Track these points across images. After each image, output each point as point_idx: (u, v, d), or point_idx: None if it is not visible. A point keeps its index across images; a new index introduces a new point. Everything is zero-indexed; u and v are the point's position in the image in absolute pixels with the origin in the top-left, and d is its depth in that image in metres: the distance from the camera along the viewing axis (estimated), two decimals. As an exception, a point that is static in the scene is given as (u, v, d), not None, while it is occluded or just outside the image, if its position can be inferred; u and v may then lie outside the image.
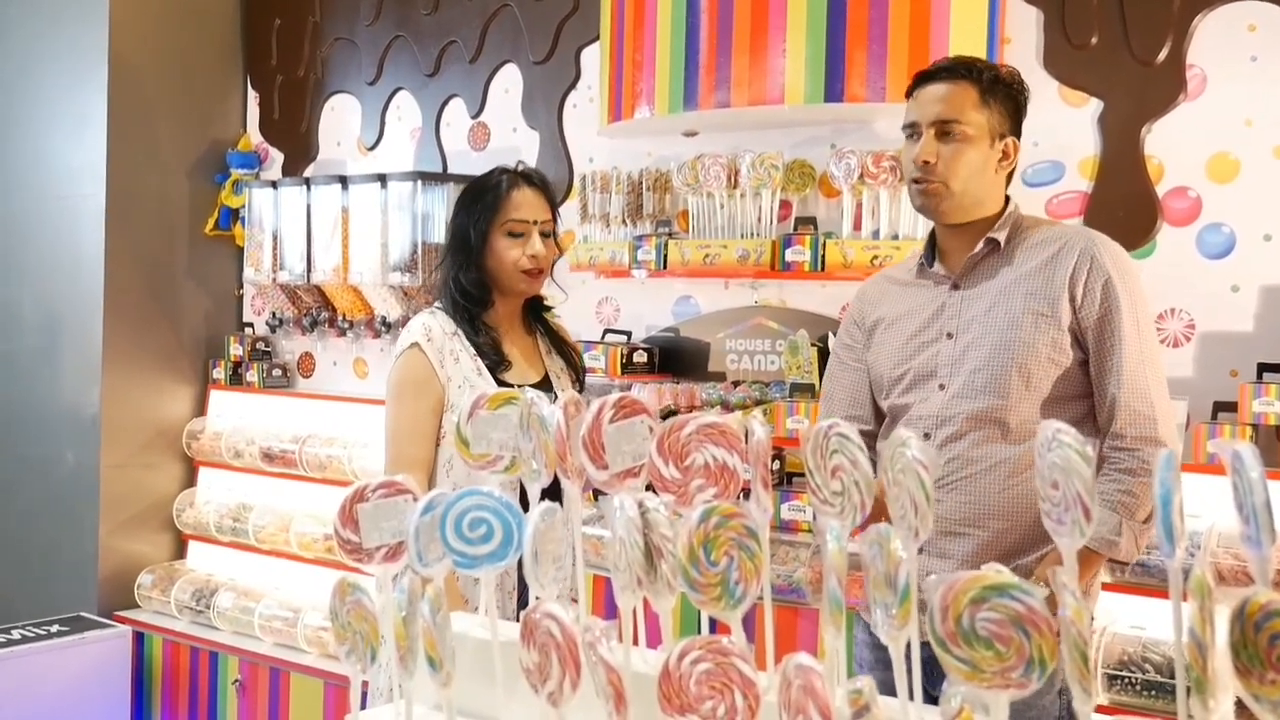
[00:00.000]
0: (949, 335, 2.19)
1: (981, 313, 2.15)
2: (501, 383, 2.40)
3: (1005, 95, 2.17)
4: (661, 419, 1.33)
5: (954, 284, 2.21)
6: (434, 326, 2.44)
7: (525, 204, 2.46)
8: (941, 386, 2.17)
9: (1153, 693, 2.58)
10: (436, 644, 1.22)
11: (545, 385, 2.50)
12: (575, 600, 1.41)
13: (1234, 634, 0.88)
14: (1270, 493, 0.92)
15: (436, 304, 2.53)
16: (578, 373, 2.65)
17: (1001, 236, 2.16)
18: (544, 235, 2.47)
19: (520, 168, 2.55)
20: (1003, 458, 2.11)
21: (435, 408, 2.40)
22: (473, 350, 2.43)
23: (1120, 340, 2.06)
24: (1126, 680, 2.60)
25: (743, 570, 1.16)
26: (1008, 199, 2.23)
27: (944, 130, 2.13)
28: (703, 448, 1.28)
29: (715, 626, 1.18)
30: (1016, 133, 2.20)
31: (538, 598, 1.23)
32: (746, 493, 1.31)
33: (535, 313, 2.62)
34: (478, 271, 2.46)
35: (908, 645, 1.10)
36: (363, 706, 1.57)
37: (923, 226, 3.13)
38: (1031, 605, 0.95)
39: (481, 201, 2.46)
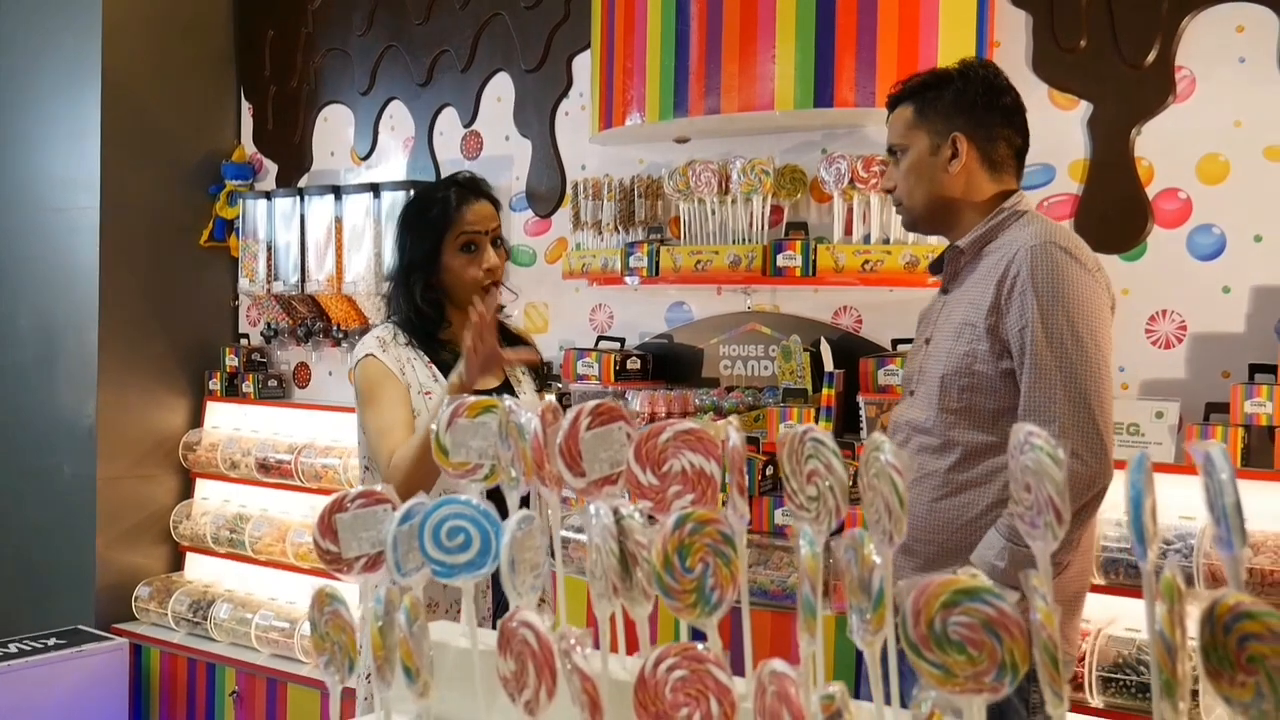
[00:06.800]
0: (927, 341, 2.20)
1: (944, 321, 2.15)
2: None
3: (948, 95, 2.13)
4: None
5: (944, 288, 2.23)
6: (387, 338, 2.42)
7: (477, 216, 2.44)
8: (911, 393, 2.20)
9: (1147, 695, 2.57)
10: (413, 654, 1.21)
11: (507, 389, 2.49)
12: (544, 601, 1.41)
13: (1204, 636, 0.87)
14: (1241, 494, 0.92)
15: (391, 319, 2.49)
16: (537, 372, 2.64)
17: (965, 243, 2.15)
18: (494, 242, 2.47)
19: (463, 177, 2.52)
20: (931, 470, 2.08)
21: (404, 398, 2.36)
22: (427, 358, 2.42)
23: (1028, 360, 1.97)
24: (1121, 683, 2.59)
25: (718, 576, 1.15)
26: (1004, 196, 2.14)
27: (893, 154, 2.21)
28: (680, 454, 1.28)
29: (702, 634, 1.17)
30: (971, 126, 2.12)
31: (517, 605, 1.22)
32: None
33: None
34: (433, 290, 2.43)
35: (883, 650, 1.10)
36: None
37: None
38: (1003, 609, 0.95)
39: (430, 217, 2.43)
